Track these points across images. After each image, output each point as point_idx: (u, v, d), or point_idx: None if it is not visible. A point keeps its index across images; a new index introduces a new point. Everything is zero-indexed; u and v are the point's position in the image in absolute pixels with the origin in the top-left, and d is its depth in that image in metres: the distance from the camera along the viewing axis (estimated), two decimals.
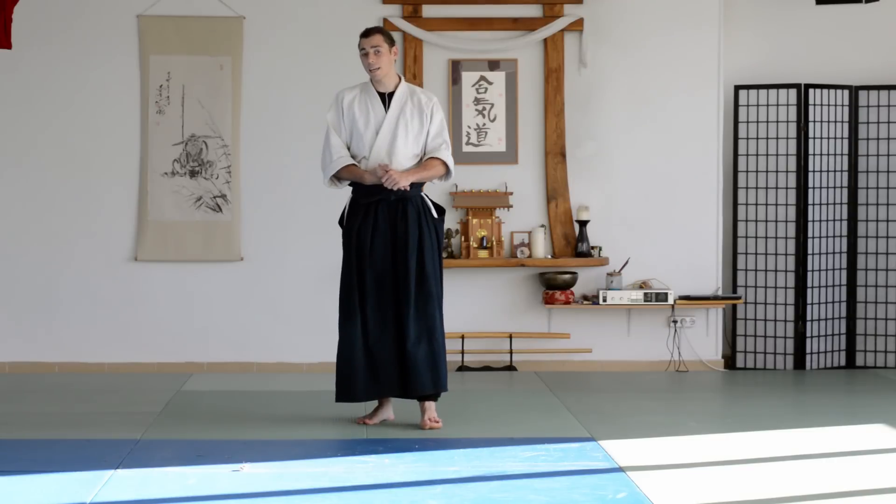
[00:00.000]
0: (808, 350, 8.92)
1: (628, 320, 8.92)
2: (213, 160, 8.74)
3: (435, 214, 6.79)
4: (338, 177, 6.80)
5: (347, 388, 6.70)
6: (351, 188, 6.85)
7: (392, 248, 6.71)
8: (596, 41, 8.87)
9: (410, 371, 6.62)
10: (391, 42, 6.75)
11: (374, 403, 6.94)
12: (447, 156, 6.79)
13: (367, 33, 6.75)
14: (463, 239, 8.74)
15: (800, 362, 8.94)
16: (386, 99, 6.78)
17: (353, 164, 6.75)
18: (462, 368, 8.76)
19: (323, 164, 6.82)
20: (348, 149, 6.78)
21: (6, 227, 8.74)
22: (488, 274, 8.73)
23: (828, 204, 8.99)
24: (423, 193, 6.80)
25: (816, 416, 7.20)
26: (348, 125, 6.79)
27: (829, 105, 8.96)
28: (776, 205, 8.95)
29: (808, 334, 8.92)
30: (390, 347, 6.67)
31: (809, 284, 8.91)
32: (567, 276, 8.74)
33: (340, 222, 6.88)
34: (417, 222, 6.70)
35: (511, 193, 8.81)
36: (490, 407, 7.33)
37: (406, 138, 6.73)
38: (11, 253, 8.74)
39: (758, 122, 8.98)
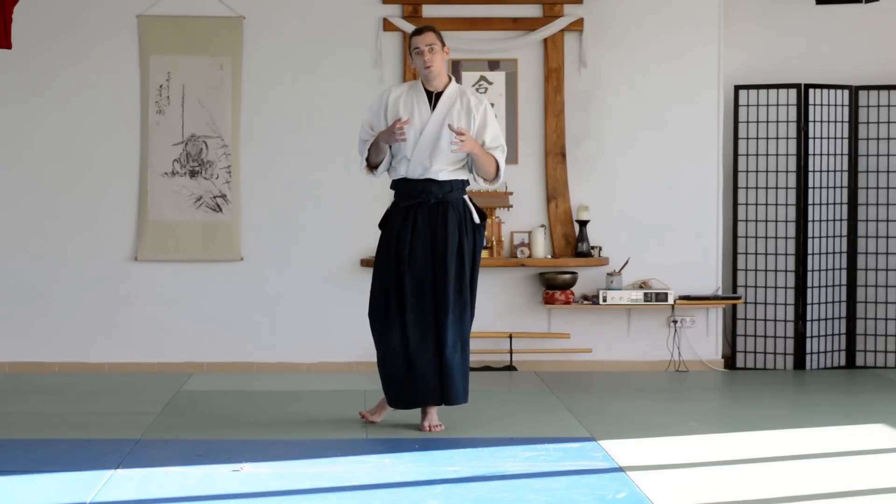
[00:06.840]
0: (808, 350, 8.92)
1: (628, 320, 8.92)
2: (213, 160, 8.74)
3: (476, 220, 6.58)
4: (370, 164, 6.61)
5: (401, 396, 6.59)
6: (393, 191, 6.67)
7: (431, 254, 6.51)
8: (596, 41, 8.87)
9: (447, 379, 6.51)
10: (443, 40, 6.53)
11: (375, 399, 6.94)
12: (501, 158, 6.57)
13: (419, 31, 6.52)
14: None
15: (800, 362, 8.94)
16: (433, 99, 6.56)
17: (375, 141, 6.54)
18: None
19: (359, 151, 6.64)
20: (390, 148, 6.57)
21: (6, 226, 8.74)
22: (488, 274, 8.72)
23: (828, 204, 8.99)
24: (465, 197, 6.60)
25: (816, 416, 7.20)
26: (391, 121, 6.52)
27: (829, 105, 8.96)
28: (776, 205, 8.95)
29: (808, 334, 8.92)
30: (430, 355, 6.52)
31: (809, 284, 8.91)
32: (567, 276, 8.74)
33: (381, 225, 6.68)
34: (457, 227, 6.51)
35: (511, 193, 8.80)
36: (490, 407, 7.33)
37: (450, 141, 6.45)
38: (11, 253, 8.73)
39: (758, 122, 8.98)
